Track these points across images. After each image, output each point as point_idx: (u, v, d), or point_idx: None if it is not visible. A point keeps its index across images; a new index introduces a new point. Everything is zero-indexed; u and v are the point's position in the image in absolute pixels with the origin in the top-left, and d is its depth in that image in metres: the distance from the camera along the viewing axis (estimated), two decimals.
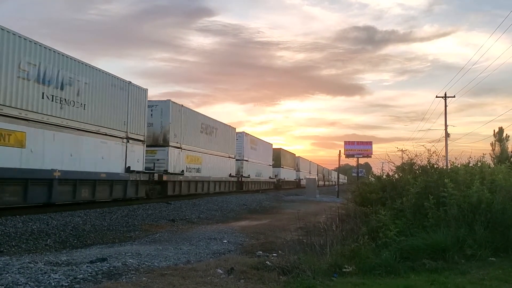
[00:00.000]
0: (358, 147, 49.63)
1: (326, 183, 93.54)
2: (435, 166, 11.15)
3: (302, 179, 64.46)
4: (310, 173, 74.60)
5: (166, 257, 7.92)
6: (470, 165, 11.23)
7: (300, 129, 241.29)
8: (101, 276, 6.04)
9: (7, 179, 12.47)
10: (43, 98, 13.75)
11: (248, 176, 37.27)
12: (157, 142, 22.10)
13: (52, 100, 14.16)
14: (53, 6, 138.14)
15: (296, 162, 64.17)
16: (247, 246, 10.18)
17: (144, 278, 5.93)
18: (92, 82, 16.20)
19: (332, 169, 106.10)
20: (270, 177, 46.55)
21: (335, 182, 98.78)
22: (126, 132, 18.52)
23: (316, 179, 69.13)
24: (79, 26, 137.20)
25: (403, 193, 9.76)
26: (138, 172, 19.08)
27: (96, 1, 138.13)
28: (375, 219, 8.81)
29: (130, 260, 7.21)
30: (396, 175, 12.24)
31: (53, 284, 5.48)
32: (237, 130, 37.15)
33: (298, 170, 64.51)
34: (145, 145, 20.12)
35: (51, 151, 14.03)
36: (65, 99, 14.75)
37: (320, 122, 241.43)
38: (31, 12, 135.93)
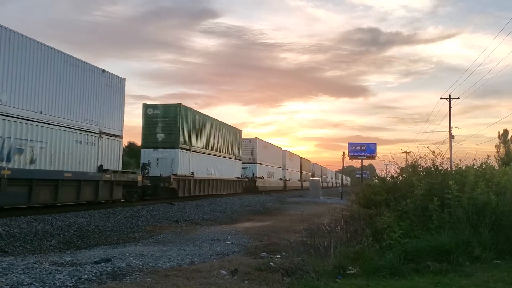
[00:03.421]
0: (362, 149, 49.49)
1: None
2: (439, 168, 11.11)
3: (260, 177, 39.68)
4: (287, 169, 52.03)
5: (170, 258, 7.94)
6: (475, 167, 11.16)
7: (304, 131, 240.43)
8: (105, 276, 6.06)
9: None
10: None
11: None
12: None
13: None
14: (58, 7, 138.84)
15: (255, 149, 39.35)
16: (251, 247, 10.17)
17: (148, 279, 5.95)
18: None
19: (332, 170, 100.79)
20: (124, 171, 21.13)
21: (332, 183, 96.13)
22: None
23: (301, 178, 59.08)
24: (84, 27, 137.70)
25: (407, 195, 9.72)
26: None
27: (101, 2, 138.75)
28: (379, 221, 8.79)
29: (134, 261, 7.24)
30: (400, 177, 12.20)
31: (57, 284, 5.51)
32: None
33: (256, 162, 39.28)
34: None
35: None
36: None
37: (324, 123, 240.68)
38: (35, 13, 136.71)
